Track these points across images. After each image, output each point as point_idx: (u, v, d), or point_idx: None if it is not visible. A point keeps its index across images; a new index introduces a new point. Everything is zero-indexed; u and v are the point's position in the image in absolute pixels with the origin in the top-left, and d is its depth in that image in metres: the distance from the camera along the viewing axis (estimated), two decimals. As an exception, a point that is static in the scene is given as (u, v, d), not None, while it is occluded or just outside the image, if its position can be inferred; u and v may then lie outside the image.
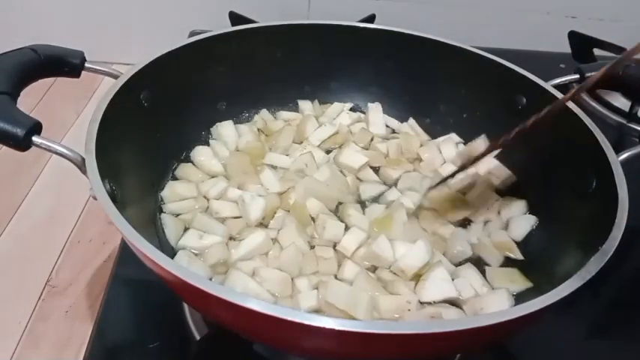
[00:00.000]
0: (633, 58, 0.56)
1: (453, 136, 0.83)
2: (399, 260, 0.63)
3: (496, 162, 0.78)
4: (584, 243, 0.55)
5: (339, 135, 0.82)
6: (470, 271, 0.64)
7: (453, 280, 0.62)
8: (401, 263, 0.63)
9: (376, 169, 0.79)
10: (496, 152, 0.79)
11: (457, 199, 0.74)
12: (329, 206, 0.71)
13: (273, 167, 0.76)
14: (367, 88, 0.88)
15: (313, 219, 0.69)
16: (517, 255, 0.68)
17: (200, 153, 0.77)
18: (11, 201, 0.94)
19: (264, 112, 0.86)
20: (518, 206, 0.73)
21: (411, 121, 0.86)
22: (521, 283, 0.63)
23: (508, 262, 0.67)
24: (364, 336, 0.41)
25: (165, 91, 0.71)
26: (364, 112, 0.88)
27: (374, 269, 0.64)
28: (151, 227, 0.66)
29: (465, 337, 0.44)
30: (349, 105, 0.88)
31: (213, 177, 0.74)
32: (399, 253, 0.64)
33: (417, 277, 0.62)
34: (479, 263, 0.66)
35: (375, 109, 0.86)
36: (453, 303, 0.61)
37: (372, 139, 0.83)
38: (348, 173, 0.76)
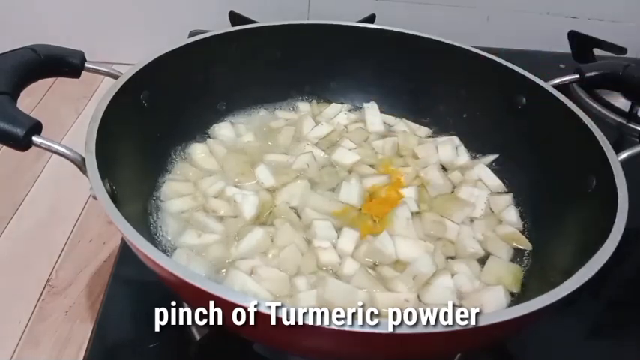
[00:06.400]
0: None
1: (455, 139, 0.83)
2: (401, 256, 0.63)
3: (487, 171, 0.78)
4: (583, 243, 0.55)
5: (335, 133, 0.83)
6: (463, 266, 0.64)
7: (452, 276, 0.62)
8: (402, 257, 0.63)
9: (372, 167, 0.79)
10: (491, 159, 0.80)
11: (454, 198, 0.74)
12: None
13: (272, 165, 0.76)
14: (367, 88, 0.88)
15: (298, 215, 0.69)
16: (525, 245, 0.68)
17: (197, 151, 0.77)
18: (11, 201, 0.94)
19: (263, 112, 0.86)
20: (506, 199, 0.74)
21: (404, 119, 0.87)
22: (509, 285, 0.63)
23: (517, 254, 0.68)
24: (364, 335, 0.41)
25: (165, 91, 0.71)
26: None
27: (375, 266, 0.64)
28: (150, 226, 0.66)
29: (464, 337, 0.44)
30: (347, 106, 0.89)
31: (210, 175, 0.74)
32: (402, 249, 0.64)
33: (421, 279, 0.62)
34: (482, 259, 0.66)
35: (370, 108, 0.86)
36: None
37: (367, 138, 0.83)
38: (342, 170, 0.77)
